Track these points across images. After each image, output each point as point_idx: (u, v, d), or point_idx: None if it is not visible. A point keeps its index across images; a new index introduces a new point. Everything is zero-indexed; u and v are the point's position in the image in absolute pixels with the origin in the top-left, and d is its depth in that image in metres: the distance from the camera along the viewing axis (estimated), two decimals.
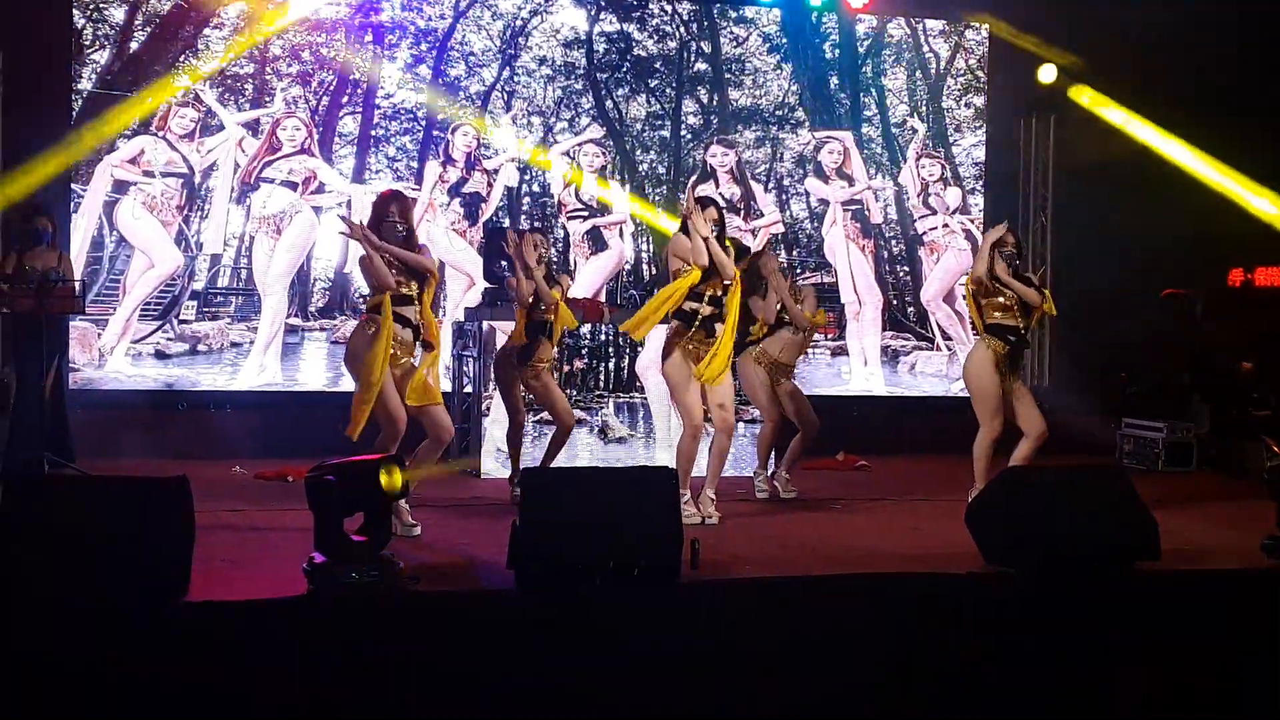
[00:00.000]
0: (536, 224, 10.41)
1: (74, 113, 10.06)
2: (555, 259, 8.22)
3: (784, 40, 11.67)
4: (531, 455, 8.47)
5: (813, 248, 11.60)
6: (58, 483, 6.61)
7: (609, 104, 11.30)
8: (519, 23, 11.09)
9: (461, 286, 10.66)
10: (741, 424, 9.34)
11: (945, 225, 11.90)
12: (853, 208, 11.73)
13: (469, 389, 9.33)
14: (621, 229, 11.16)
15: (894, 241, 11.91)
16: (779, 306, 8.31)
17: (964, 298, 8.54)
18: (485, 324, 9.00)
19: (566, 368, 8.76)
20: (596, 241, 11.10)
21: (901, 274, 11.94)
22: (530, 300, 7.74)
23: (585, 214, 11.08)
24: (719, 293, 7.34)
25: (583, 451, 9.12)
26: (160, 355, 10.25)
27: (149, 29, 10.27)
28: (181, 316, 10.31)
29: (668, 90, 11.48)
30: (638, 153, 11.37)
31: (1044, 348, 11.89)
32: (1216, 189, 11.47)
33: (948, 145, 12.00)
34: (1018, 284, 7.74)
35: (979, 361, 7.79)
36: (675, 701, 4.96)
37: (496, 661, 4.97)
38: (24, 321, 8.34)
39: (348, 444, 6.37)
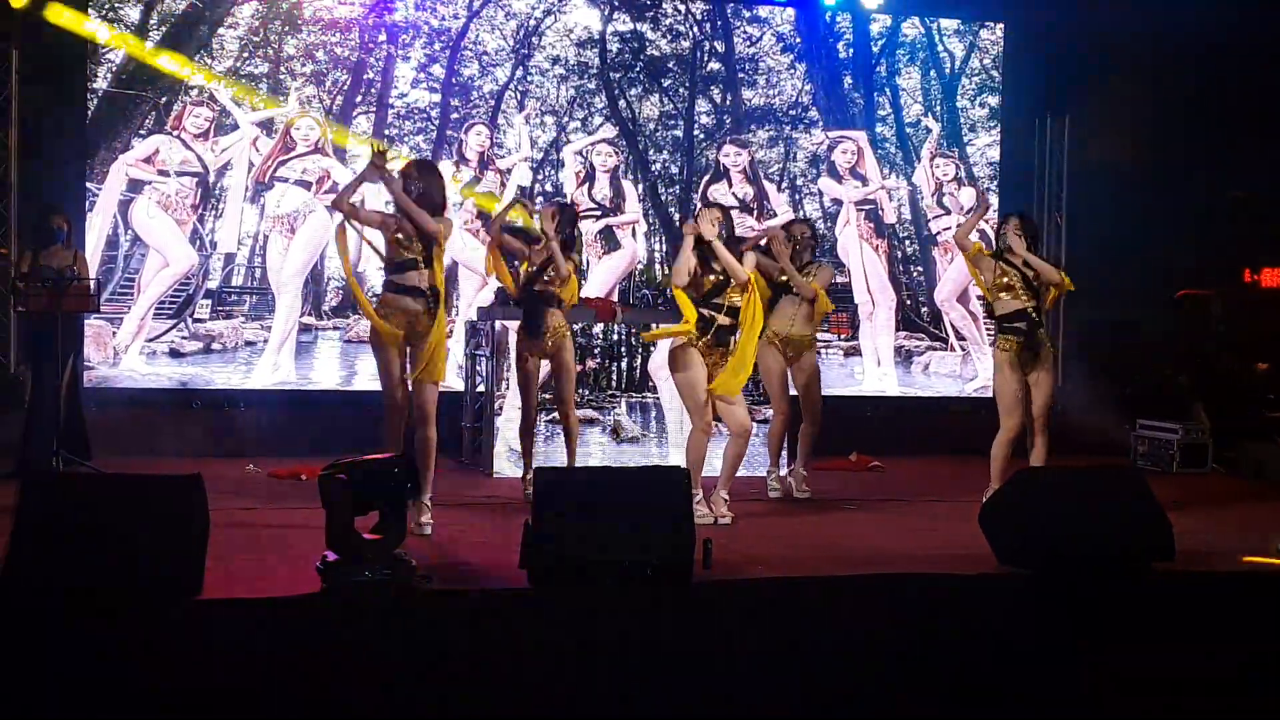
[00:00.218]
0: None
1: (90, 112, 10.10)
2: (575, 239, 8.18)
3: (797, 40, 11.66)
4: (543, 455, 8.47)
5: (826, 248, 11.57)
6: (73, 480, 6.63)
7: (622, 104, 11.30)
8: (532, 22, 11.10)
9: (474, 286, 10.67)
10: (754, 423, 9.33)
11: (959, 225, 11.86)
12: (866, 208, 11.71)
13: (481, 388, 9.33)
14: (634, 229, 11.16)
15: (908, 241, 11.89)
16: (782, 277, 8.17)
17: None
18: (498, 323, 9.00)
19: (579, 367, 8.73)
20: (609, 241, 11.10)
21: (915, 274, 11.92)
22: (533, 269, 7.76)
23: (598, 213, 11.08)
24: (736, 301, 7.19)
25: (595, 452, 9.12)
26: (175, 354, 10.28)
27: (164, 28, 10.30)
28: (196, 315, 10.34)
29: (681, 90, 11.48)
30: (651, 152, 11.37)
31: (1057, 348, 11.85)
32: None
33: (962, 145, 11.97)
34: (1036, 259, 7.72)
35: (995, 362, 7.84)
36: (688, 702, 4.96)
37: (509, 661, 4.97)
38: (39, 320, 8.37)
39: (362, 442, 6.37)
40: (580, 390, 8.85)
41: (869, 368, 11.66)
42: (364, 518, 5.25)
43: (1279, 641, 5.58)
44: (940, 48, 12.01)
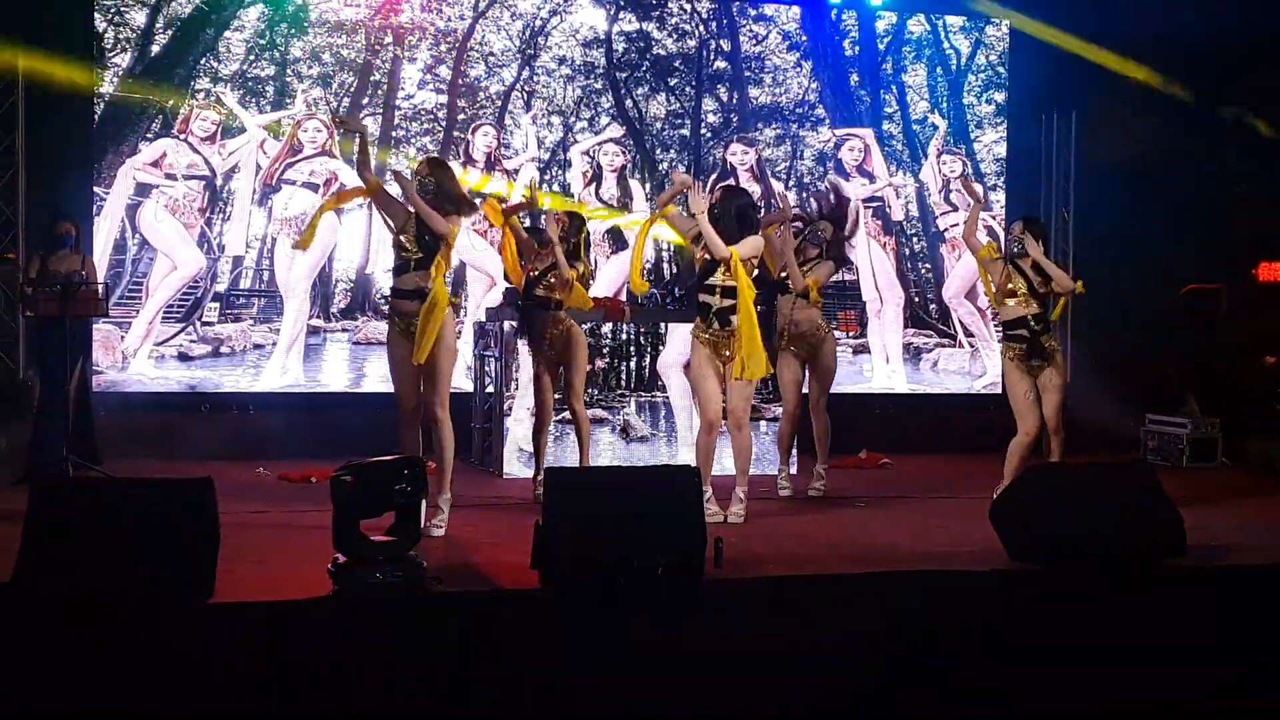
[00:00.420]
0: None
1: (97, 116, 10.11)
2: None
3: (804, 38, 11.65)
4: (554, 455, 8.47)
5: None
6: (83, 485, 6.62)
7: (629, 103, 11.29)
8: (538, 23, 11.10)
9: (483, 287, 10.68)
10: (763, 422, 9.33)
11: (964, 223, 11.84)
12: (874, 205, 11.71)
13: (490, 389, 9.34)
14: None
15: (915, 238, 11.88)
16: (783, 273, 8.09)
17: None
18: (507, 324, 9.00)
19: (589, 366, 8.74)
20: (617, 240, 11.10)
21: (923, 271, 11.91)
22: (533, 273, 7.79)
23: (606, 213, 11.07)
24: (729, 281, 7.07)
25: (605, 451, 9.12)
26: (183, 357, 10.29)
27: (170, 32, 10.31)
28: (204, 318, 10.35)
29: (687, 89, 11.47)
30: (658, 151, 11.37)
31: (1065, 344, 11.84)
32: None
33: (969, 141, 11.96)
34: (1051, 265, 7.71)
35: (1002, 368, 7.88)
36: (701, 701, 4.96)
37: (521, 662, 4.97)
38: (48, 324, 8.39)
39: (371, 444, 6.38)
40: (589, 390, 8.85)
41: (877, 365, 11.65)
42: (381, 520, 5.25)
43: None
44: (946, 44, 11.99)
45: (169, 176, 10.26)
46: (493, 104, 11.00)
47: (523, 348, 8.44)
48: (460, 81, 10.93)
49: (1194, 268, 11.38)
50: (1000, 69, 12.04)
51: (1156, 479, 6.24)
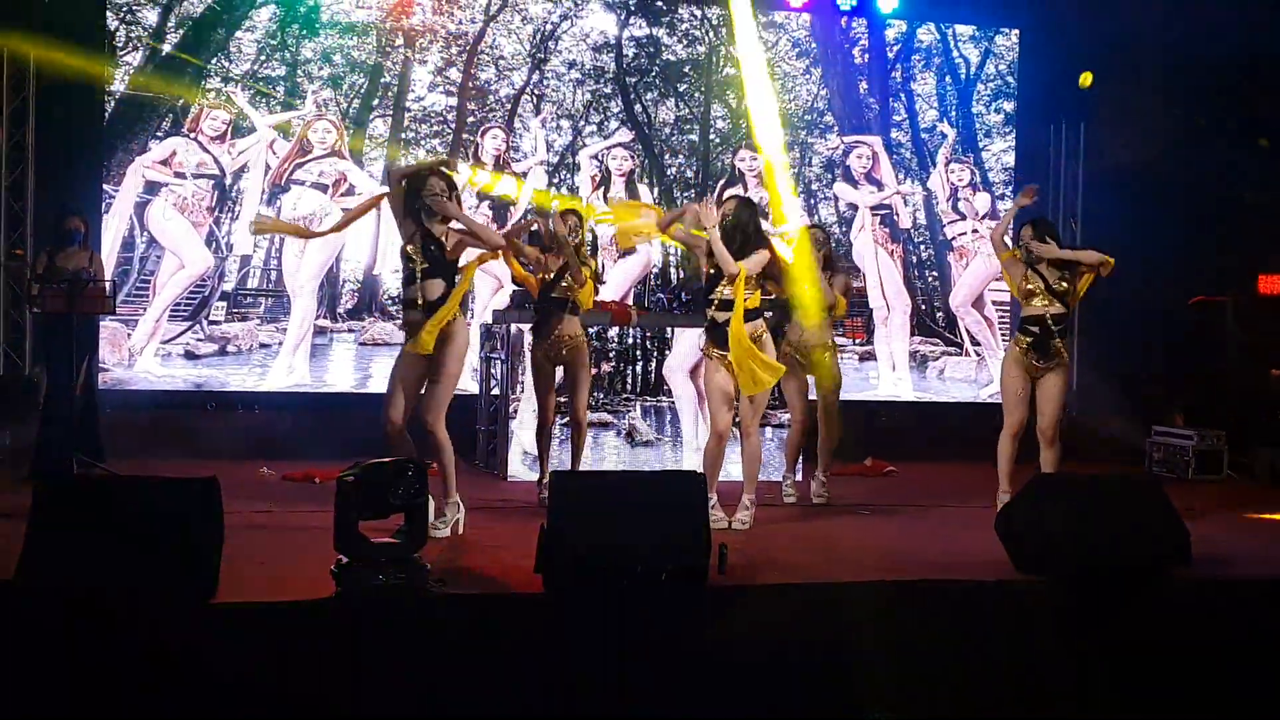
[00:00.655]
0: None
1: (106, 115, 10.13)
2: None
3: (813, 45, 11.65)
4: (558, 459, 8.47)
5: (841, 253, 11.56)
6: (87, 483, 6.63)
7: (638, 108, 11.30)
8: (549, 27, 11.11)
9: (490, 289, 10.68)
10: (769, 429, 9.32)
11: (974, 230, 11.86)
12: (881, 213, 11.70)
13: (495, 391, 9.34)
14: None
15: (923, 246, 11.87)
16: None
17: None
18: (513, 326, 9.00)
19: (594, 370, 8.73)
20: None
21: (930, 279, 11.90)
22: (549, 277, 7.79)
23: (613, 217, 11.06)
24: (728, 294, 6.98)
25: (610, 455, 9.11)
26: (190, 356, 10.30)
27: (181, 31, 10.33)
28: (211, 317, 10.36)
29: (696, 94, 11.48)
30: (666, 157, 11.38)
31: (1071, 356, 11.80)
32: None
33: (977, 150, 11.95)
34: (1070, 251, 7.72)
35: (1005, 357, 7.89)
36: (702, 706, 4.95)
37: (523, 665, 4.96)
38: (55, 321, 8.38)
39: (376, 446, 6.37)
40: (595, 394, 8.84)
41: (884, 372, 11.64)
42: (386, 521, 5.24)
43: None
44: (955, 53, 11.99)
45: (178, 175, 10.27)
46: (502, 107, 11.00)
47: (527, 351, 8.41)
48: (470, 84, 10.94)
49: (1201, 279, 11.36)
50: (1009, 78, 12.04)
51: (1163, 491, 6.23)
